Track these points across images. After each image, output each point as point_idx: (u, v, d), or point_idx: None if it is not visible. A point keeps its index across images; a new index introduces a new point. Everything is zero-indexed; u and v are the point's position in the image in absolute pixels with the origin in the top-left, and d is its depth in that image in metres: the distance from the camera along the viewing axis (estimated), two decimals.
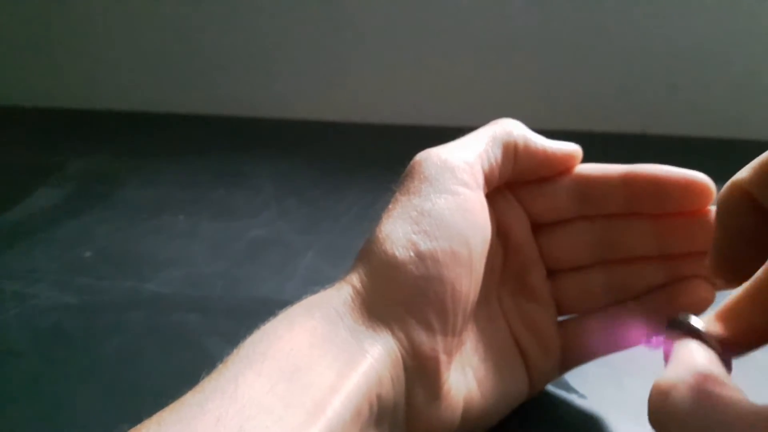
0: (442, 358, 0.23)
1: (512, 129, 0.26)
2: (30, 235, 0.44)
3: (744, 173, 0.20)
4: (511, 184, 0.28)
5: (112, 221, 0.46)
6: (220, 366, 0.20)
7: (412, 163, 0.25)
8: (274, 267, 0.40)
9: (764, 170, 0.19)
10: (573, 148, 0.27)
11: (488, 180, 0.25)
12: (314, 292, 0.24)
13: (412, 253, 0.23)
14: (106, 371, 0.32)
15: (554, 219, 0.28)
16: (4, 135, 0.62)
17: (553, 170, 0.27)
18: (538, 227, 0.28)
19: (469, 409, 0.25)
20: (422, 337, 0.22)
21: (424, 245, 0.23)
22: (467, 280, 0.23)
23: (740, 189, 0.20)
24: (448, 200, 0.24)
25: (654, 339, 0.24)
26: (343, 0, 0.59)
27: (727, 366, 0.21)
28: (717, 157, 0.55)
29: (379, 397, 0.21)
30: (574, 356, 0.28)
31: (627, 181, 0.26)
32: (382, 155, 0.56)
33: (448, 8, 0.57)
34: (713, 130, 0.57)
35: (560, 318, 0.28)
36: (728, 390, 0.18)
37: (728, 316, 0.22)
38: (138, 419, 0.19)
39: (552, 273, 0.28)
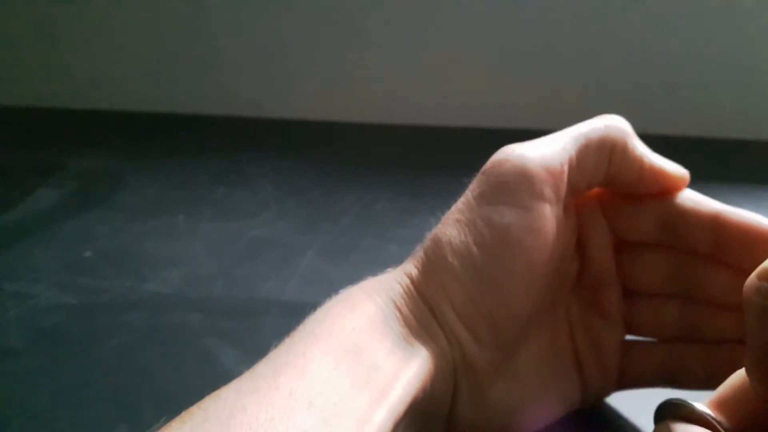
0: (490, 369, 0.23)
1: (612, 130, 0.24)
2: (30, 235, 0.44)
3: None
4: (602, 195, 0.26)
5: (112, 221, 0.46)
6: (287, 339, 0.21)
7: (492, 162, 0.24)
8: (274, 267, 0.40)
9: None
10: (678, 173, 0.25)
11: (574, 185, 0.24)
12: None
13: (469, 266, 0.22)
14: (106, 371, 0.32)
15: (638, 240, 0.26)
16: (4, 135, 0.62)
17: (649, 188, 0.25)
18: (621, 243, 0.27)
19: (510, 418, 0.24)
20: (472, 348, 0.23)
21: (483, 261, 0.22)
22: (524, 300, 0.23)
23: None
24: (519, 216, 0.22)
25: None
26: (343, 0, 0.59)
27: None
28: (717, 157, 0.55)
29: (431, 390, 0.22)
30: (630, 379, 0.27)
31: (716, 223, 0.24)
32: (383, 155, 0.56)
33: (450, 9, 0.57)
34: (713, 130, 0.57)
35: (627, 337, 0.27)
36: None
37: (728, 404, 0.20)
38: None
39: (626, 292, 0.27)
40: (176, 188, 0.51)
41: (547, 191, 0.23)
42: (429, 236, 0.24)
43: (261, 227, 0.45)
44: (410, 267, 0.24)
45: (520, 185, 0.23)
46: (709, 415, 0.19)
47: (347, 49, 0.61)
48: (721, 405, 0.19)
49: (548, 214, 0.23)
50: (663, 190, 0.25)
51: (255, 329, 0.34)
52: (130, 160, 0.56)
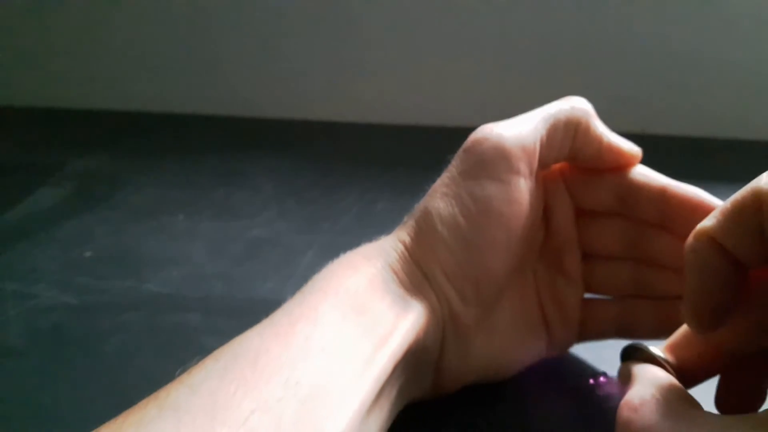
0: (473, 324, 0.26)
1: (577, 111, 0.27)
2: (30, 235, 0.44)
3: (709, 221, 0.20)
4: (564, 169, 0.29)
5: (112, 221, 0.46)
6: (298, 295, 0.24)
7: (472, 140, 0.26)
8: (274, 267, 0.40)
9: (728, 218, 0.20)
10: (632, 150, 0.28)
11: (543, 160, 0.27)
12: None
13: (456, 234, 0.25)
14: (106, 371, 0.32)
15: (596, 209, 0.29)
16: (4, 135, 0.62)
17: (607, 164, 0.28)
18: (581, 212, 0.29)
19: (489, 366, 0.28)
20: (459, 306, 0.26)
21: (469, 231, 0.25)
22: (503, 263, 0.26)
23: (708, 237, 0.20)
24: (499, 189, 0.25)
25: (601, 380, 0.27)
26: (343, 0, 0.59)
27: None
28: (717, 157, 0.55)
29: (423, 341, 0.24)
30: (589, 332, 0.30)
31: (663, 196, 0.27)
32: (382, 155, 0.56)
33: (450, 9, 0.57)
34: (713, 130, 0.57)
35: (585, 295, 0.30)
36: (695, 405, 0.20)
37: (679, 348, 0.23)
38: None
39: (585, 255, 0.30)
40: (176, 188, 0.51)
41: (522, 167, 0.26)
42: (418, 208, 0.27)
43: (261, 227, 0.45)
44: (404, 235, 0.27)
45: (499, 162, 0.26)
46: (661, 357, 0.23)
47: (347, 49, 0.61)
48: (673, 348, 0.23)
49: (523, 187, 0.26)
50: (619, 165, 0.28)
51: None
52: (130, 160, 0.56)
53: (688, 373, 0.23)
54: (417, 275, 0.26)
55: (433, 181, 0.27)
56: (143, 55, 0.64)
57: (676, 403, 0.19)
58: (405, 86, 0.61)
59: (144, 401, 0.20)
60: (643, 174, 0.28)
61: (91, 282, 0.39)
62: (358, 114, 0.61)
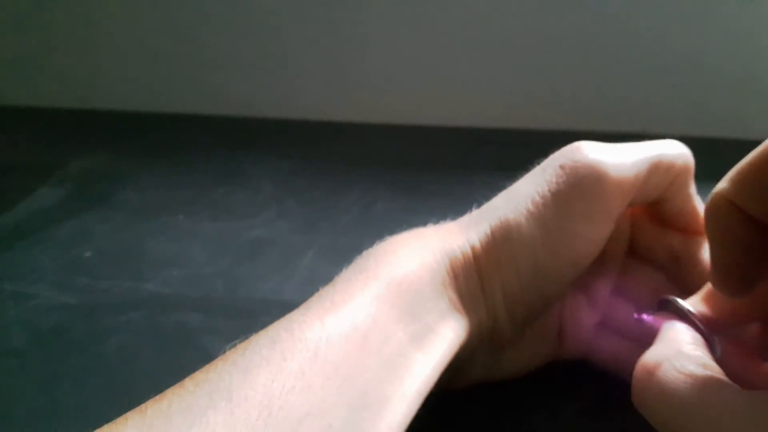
0: (509, 340, 0.27)
1: (681, 159, 0.26)
2: (30, 235, 0.44)
3: (724, 183, 0.20)
4: (635, 209, 0.28)
5: (112, 221, 0.46)
6: (361, 277, 0.23)
7: (572, 161, 0.25)
8: (274, 267, 0.40)
9: (743, 178, 0.19)
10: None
11: (633, 200, 0.26)
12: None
13: (530, 260, 0.25)
14: (106, 371, 0.32)
15: (645, 256, 0.29)
16: (4, 135, 0.62)
17: (680, 224, 0.27)
18: (629, 251, 0.29)
19: (503, 371, 0.28)
20: (505, 324, 0.26)
21: (543, 258, 0.25)
22: (559, 292, 0.26)
23: (724, 200, 0.20)
24: (587, 228, 0.25)
25: (645, 315, 0.26)
26: (343, 0, 0.59)
27: (712, 345, 0.21)
28: (717, 157, 0.55)
29: (459, 353, 0.25)
30: (595, 356, 0.29)
31: None
32: (382, 155, 0.56)
33: (449, 9, 0.57)
34: (713, 130, 0.57)
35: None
36: (714, 373, 0.18)
37: (713, 297, 0.23)
38: None
39: (614, 289, 0.29)
40: (176, 188, 0.51)
41: (616, 209, 0.25)
42: (496, 214, 0.26)
43: (261, 227, 0.45)
44: (475, 239, 0.26)
45: (596, 200, 0.24)
46: (688, 310, 0.23)
47: (347, 49, 0.61)
48: (710, 298, 0.23)
49: (609, 228, 0.25)
50: (689, 230, 0.27)
51: (255, 329, 0.34)
52: (130, 160, 0.56)
53: (724, 322, 0.22)
54: (475, 286, 0.25)
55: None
56: (143, 55, 0.64)
57: (697, 369, 0.18)
58: (405, 86, 0.61)
59: (190, 381, 0.20)
60: (706, 249, 0.26)
61: (91, 282, 0.39)
62: (358, 114, 0.61)
